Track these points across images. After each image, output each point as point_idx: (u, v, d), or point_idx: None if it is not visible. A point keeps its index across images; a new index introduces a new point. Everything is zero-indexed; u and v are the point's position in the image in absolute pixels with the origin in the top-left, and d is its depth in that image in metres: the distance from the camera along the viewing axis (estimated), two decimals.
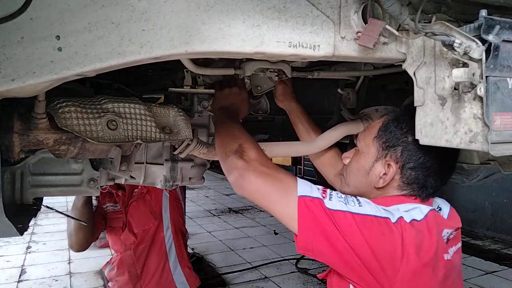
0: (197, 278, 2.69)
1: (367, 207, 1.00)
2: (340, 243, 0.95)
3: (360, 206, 0.99)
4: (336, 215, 0.97)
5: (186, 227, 3.02)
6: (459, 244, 1.14)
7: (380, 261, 0.94)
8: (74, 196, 2.37)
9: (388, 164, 1.09)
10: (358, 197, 1.04)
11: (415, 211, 1.03)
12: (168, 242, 2.57)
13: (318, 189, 1.04)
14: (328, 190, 1.05)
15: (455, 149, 1.05)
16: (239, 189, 1.14)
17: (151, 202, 2.54)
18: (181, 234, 2.70)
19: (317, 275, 1.27)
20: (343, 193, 1.16)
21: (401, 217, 0.98)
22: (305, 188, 1.03)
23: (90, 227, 2.29)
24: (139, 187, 2.48)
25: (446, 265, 1.02)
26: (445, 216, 1.15)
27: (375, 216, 0.97)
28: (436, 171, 1.08)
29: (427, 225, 1.00)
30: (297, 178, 1.08)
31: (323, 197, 1.00)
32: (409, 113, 1.11)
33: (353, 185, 1.19)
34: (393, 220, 0.98)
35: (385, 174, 1.09)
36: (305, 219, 0.99)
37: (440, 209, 1.15)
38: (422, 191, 1.09)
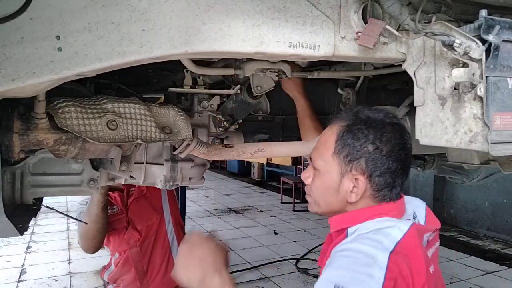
0: None
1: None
2: None
3: None
4: None
5: (186, 227, 3.03)
6: (437, 244, 1.11)
7: None
8: (80, 200, 2.38)
9: (356, 178, 1.05)
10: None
11: (394, 230, 0.98)
12: (170, 235, 2.59)
13: None
14: None
15: (410, 146, 1.06)
16: None
17: (151, 197, 2.55)
18: (180, 227, 2.73)
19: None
20: (315, 213, 1.13)
21: (384, 256, 0.91)
22: None
23: (106, 230, 2.32)
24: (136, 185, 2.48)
25: (433, 275, 1.00)
26: (422, 221, 1.11)
27: None
28: (401, 171, 1.06)
29: (410, 244, 0.96)
30: None
31: None
32: (360, 119, 1.07)
33: (325, 205, 1.13)
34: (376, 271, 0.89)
35: (355, 187, 1.06)
36: None
37: (415, 217, 1.11)
38: (392, 192, 1.07)
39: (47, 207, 1.59)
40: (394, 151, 1.03)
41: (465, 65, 0.89)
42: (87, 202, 2.39)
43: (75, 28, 0.82)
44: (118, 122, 1.15)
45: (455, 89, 0.94)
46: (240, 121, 1.71)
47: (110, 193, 2.45)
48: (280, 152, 1.65)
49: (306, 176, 1.16)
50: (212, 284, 1.06)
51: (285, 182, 8.33)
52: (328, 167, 1.09)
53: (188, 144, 1.47)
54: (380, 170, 1.04)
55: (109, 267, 2.62)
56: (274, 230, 6.01)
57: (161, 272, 2.52)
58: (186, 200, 4.98)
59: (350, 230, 1.03)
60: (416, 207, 1.15)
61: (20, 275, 4.28)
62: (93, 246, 2.32)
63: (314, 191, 1.14)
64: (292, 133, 2.05)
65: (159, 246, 2.54)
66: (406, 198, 1.15)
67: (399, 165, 1.05)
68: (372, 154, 1.04)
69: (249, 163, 11.26)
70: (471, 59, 0.86)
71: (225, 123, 1.65)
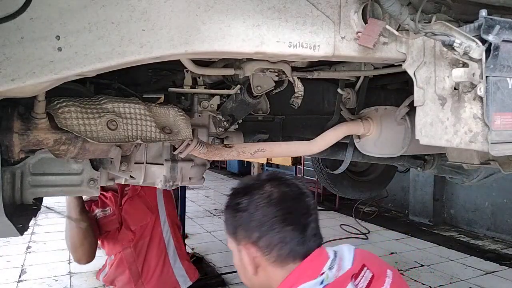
0: (196, 270, 2.68)
1: None
2: None
3: None
4: None
5: (186, 227, 3.01)
6: (388, 280, 0.98)
7: None
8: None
9: (246, 246, 1.01)
10: None
11: None
12: (166, 236, 2.54)
13: None
14: None
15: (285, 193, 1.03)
16: None
17: (146, 197, 2.51)
18: (177, 227, 2.68)
19: None
20: None
21: None
22: None
23: (93, 234, 2.26)
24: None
25: None
26: (350, 264, 1.00)
27: None
28: (282, 221, 0.98)
29: None
30: None
31: None
32: (231, 196, 1.08)
33: (251, 287, 1.08)
34: None
35: (254, 257, 1.00)
36: None
37: (331, 267, 0.98)
38: (290, 249, 0.97)
39: (47, 207, 1.59)
40: (260, 206, 0.99)
41: (465, 65, 0.89)
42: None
43: (75, 28, 0.82)
44: (118, 122, 1.15)
45: (455, 89, 0.94)
46: (240, 121, 1.71)
47: (104, 193, 2.42)
48: (280, 152, 1.65)
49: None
50: None
51: None
52: (231, 246, 1.09)
53: (188, 144, 1.47)
54: (256, 231, 0.99)
55: (104, 269, 2.59)
56: None
57: (156, 273, 2.48)
58: (186, 200, 4.97)
59: None
60: (343, 249, 1.07)
61: (20, 275, 4.28)
62: (84, 254, 2.25)
63: (239, 275, 1.11)
64: (292, 133, 2.05)
65: (154, 246, 2.49)
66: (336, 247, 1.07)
67: (273, 216, 0.98)
68: (240, 219, 1.02)
69: (249, 163, 11.25)
70: (471, 59, 0.86)
71: (225, 123, 1.65)
